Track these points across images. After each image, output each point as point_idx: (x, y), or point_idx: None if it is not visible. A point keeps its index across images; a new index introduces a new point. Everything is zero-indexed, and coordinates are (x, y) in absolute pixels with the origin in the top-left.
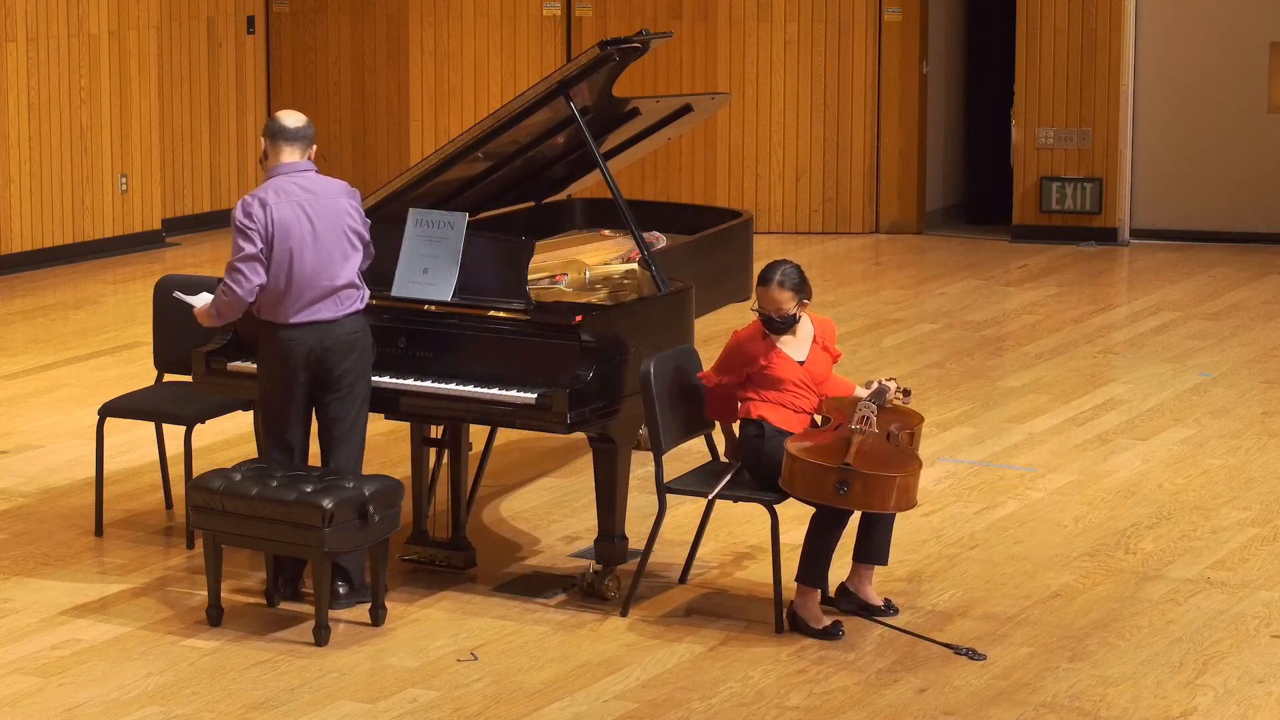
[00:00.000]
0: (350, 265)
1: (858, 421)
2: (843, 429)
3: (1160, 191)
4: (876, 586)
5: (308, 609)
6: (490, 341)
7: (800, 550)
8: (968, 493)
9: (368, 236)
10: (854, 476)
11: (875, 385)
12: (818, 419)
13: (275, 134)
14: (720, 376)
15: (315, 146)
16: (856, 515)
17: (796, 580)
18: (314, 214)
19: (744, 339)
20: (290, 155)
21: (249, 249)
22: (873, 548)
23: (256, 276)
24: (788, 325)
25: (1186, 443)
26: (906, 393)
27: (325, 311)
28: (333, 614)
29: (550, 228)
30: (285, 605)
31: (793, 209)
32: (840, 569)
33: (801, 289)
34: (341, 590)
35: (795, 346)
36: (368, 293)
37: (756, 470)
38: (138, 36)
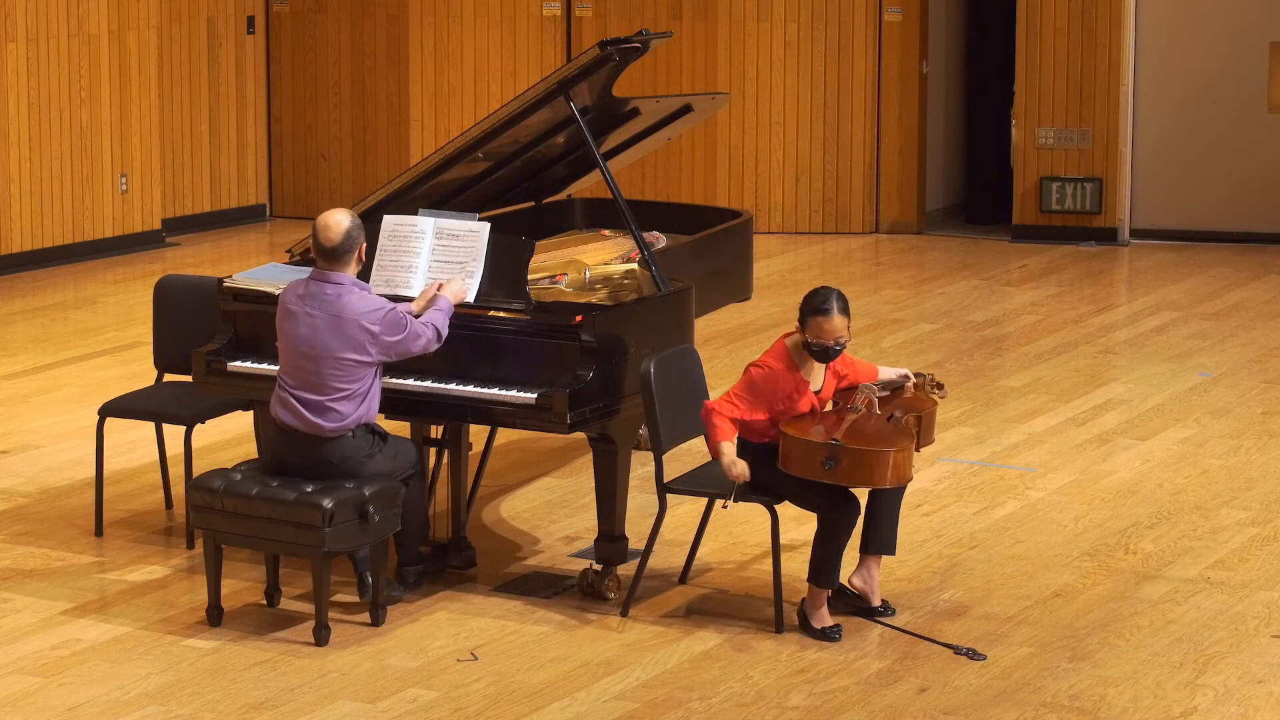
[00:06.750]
0: (329, 385)
1: (859, 403)
2: (841, 409)
3: (1160, 191)
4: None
5: (307, 610)
6: (490, 341)
7: (809, 553)
8: (968, 493)
9: (382, 339)
10: (841, 452)
11: (893, 377)
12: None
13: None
14: (747, 412)
15: (358, 252)
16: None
17: (809, 581)
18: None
19: (778, 372)
20: (326, 267)
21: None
22: (880, 538)
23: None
24: (840, 351)
25: (1186, 443)
26: (939, 386)
27: (293, 417)
28: (333, 615)
29: (550, 228)
30: (285, 605)
31: (793, 209)
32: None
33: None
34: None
35: (815, 376)
36: (365, 415)
37: (764, 479)
38: (138, 36)
